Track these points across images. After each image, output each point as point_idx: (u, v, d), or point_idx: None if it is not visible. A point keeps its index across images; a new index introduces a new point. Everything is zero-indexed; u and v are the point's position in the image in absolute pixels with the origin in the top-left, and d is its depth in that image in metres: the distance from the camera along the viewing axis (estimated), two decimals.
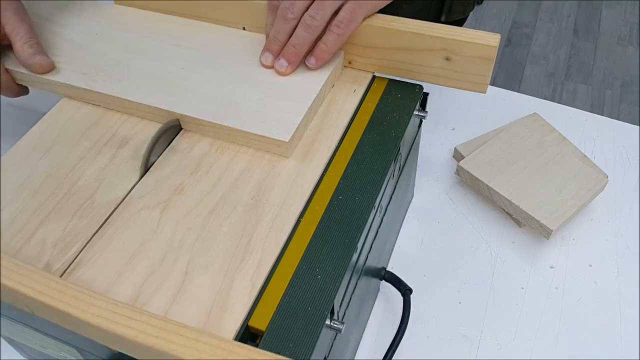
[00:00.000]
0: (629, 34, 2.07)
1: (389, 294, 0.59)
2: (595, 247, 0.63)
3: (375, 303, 0.59)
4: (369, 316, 0.58)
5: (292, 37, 0.51)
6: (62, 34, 0.57)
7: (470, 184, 0.66)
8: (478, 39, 0.48)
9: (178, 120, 0.49)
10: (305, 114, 0.48)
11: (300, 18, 0.50)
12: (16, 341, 0.50)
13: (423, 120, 0.57)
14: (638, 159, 0.71)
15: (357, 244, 0.42)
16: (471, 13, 0.91)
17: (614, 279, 0.60)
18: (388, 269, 0.60)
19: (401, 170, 0.54)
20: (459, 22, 0.91)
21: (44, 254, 0.41)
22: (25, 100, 0.58)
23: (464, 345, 0.56)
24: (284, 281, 0.40)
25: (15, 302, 0.36)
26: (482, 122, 0.74)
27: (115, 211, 0.44)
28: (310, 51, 0.51)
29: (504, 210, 0.64)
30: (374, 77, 0.54)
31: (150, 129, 0.49)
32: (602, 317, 0.58)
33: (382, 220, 0.51)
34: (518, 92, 0.79)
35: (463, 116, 0.75)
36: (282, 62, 0.51)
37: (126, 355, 0.35)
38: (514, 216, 0.64)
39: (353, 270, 0.43)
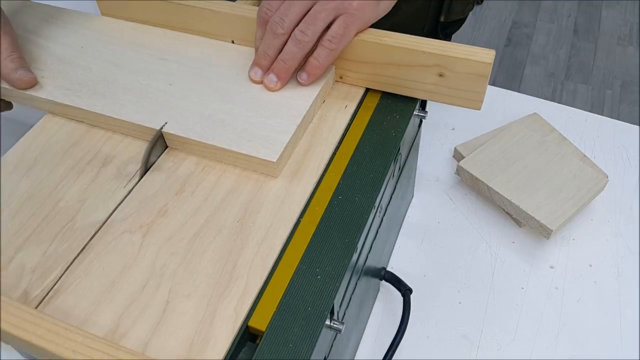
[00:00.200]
0: (629, 34, 2.06)
1: (389, 294, 0.59)
2: (595, 247, 0.63)
3: (375, 303, 0.59)
4: (369, 316, 0.58)
5: (282, 52, 0.49)
6: (46, 47, 0.55)
7: (470, 184, 0.66)
8: (472, 56, 0.47)
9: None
10: (294, 133, 0.46)
11: (291, 33, 0.48)
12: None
13: (423, 120, 0.57)
14: (638, 159, 0.71)
15: (357, 244, 0.42)
16: (471, 13, 0.91)
17: (614, 279, 0.60)
18: (388, 269, 0.60)
19: (401, 170, 0.54)
20: (459, 22, 0.91)
21: (23, 280, 0.40)
22: (12, 112, 0.56)
23: (464, 345, 0.56)
24: (284, 281, 0.40)
25: None
26: (482, 122, 0.74)
27: (97, 234, 0.42)
28: (301, 66, 0.50)
29: (504, 210, 0.64)
30: (367, 91, 0.52)
31: (135, 147, 0.48)
32: (602, 317, 0.58)
33: (382, 220, 0.51)
34: (518, 92, 0.79)
35: (463, 116, 0.75)
36: (272, 78, 0.50)
37: None
38: (514, 216, 0.64)
39: (353, 270, 0.43)
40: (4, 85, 0.51)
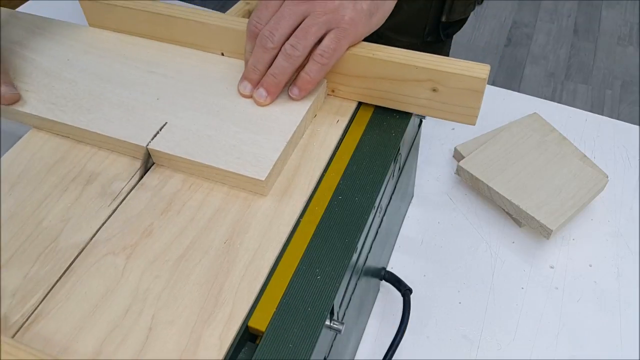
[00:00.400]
0: (629, 34, 2.06)
1: (389, 294, 0.59)
2: (595, 247, 0.63)
3: (375, 303, 0.59)
4: (369, 316, 0.58)
5: (272, 67, 0.48)
6: (32, 60, 0.54)
7: (470, 184, 0.66)
8: (466, 71, 0.46)
9: None
10: (283, 150, 0.45)
11: (281, 47, 0.47)
12: None
13: (423, 120, 0.57)
14: (638, 159, 0.71)
15: (357, 244, 0.42)
16: (471, 13, 0.91)
17: (614, 279, 0.60)
18: (388, 269, 0.60)
19: (401, 170, 0.54)
20: (460, 22, 0.92)
21: (2, 305, 0.38)
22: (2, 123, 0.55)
23: (464, 345, 0.56)
24: (284, 281, 0.40)
25: None
26: (482, 122, 0.73)
27: (79, 256, 0.41)
28: (292, 80, 0.49)
29: (504, 210, 0.64)
30: (359, 105, 0.51)
31: (120, 164, 0.47)
32: (602, 317, 0.58)
33: (382, 220, 0.51)
34: (518, 92, 0.79)
35: None
36: (261, 92, 0.48)
37: None
38: (514, 216, 0.64)
39: (353, 271, 0.43)
40: None
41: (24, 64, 0.54)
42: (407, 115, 0.50)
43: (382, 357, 0.52)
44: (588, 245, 0.63)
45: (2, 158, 0.48)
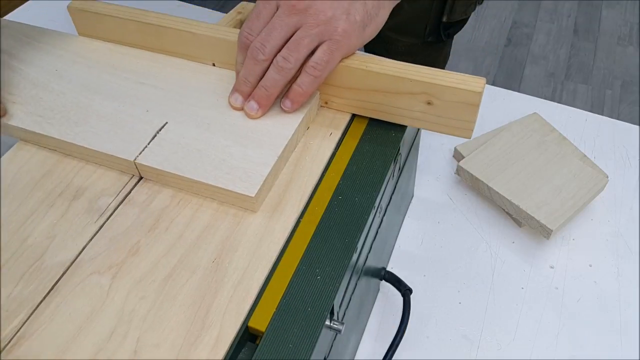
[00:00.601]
0: (629, 34, 2.06)
1: (389, 294, 0.59)
2: (595, 247, 0.63)
3: (375, 303, 0.59)
4: (369, 316, 0.58)
5: (263, 79, 0.47)
6: (20, 70, 0.53)
7: (470, 184, 0.66)
8: (461, 84, 0.45)
9: None
10: (274, 164, 0.44)
11: (273, 59, 0.47)
12: None
13: None
14: (638, 159, 0.71)
15: (357, 244, 0.42)
16: (472, 13, 0.91)
17: (614, 279, 0.60)
18: (388, 269, 0.60)
19: (401, 170, 0.54)
20: (461, 23, 0.92)
21: None
22: None
23: (464, 345, 0.56)
24: (283, 281, 0.40)
25: None
26: (482, 122, 0.74)
27: (64, 275, 0.40)
28: (284, 92, 0.48)
29: (504, 210, 0.64)
30: (353, 117, 0.51)
31: (108, 178, 0.46)
32: (602, 317, 0.58)
33: (382, 220, 0.51)
34: (518, 92, 0.79)
35: None
36: (252, 105, 0.48)
37: None
38: (514, 216, 0.64)
39: (353, 271, 0.43)
40: None
41: (12, 75, 0.53)
42: (401, 128, 0.49)
43: (382, 357, 0.52)
44: (588, 245, 0.63)
45: None
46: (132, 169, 0.46)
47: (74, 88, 0.51)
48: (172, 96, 0.50)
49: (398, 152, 0.49)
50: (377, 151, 0.48)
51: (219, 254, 0.41)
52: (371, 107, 0.49)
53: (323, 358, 0.42)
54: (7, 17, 0.86)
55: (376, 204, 0.46)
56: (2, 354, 0.36)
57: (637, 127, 0.74)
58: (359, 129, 0.50)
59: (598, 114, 0.76)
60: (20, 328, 0.38)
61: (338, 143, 0.49)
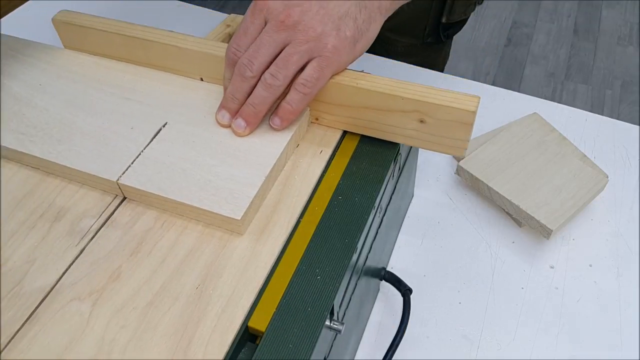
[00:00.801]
0: (629, 34, 2.06)
1: (389, 294, 0.59)
2: (595, 247, 0.63)
3: (375, 303, 0.59)
4: (369, 316, 0.58)
5: (251, 96, 0.46)
6: (2, 84, 0.52)
7: (470, 184, 0.66)
8: (454, 103, 0.44)
9: None
10: (261, 185, 0.43)
11: (261, 76, 0.45)
12: None
13: None
14: (638, 159, 0.71)
15: (357, 245, 0.42)
16: (471, 13, 0.91)
17: (614, 279, 0.60)
18: (388, 269, 0.60)
19: (401, 170, 0.54)
20: (460, 23, 0.92)
21: None
22: None
23: (464, 345, 0.56)
24: (283, 281, 0.40)
25: None
26: (482, 122, 0.74)
27: (44, 302, 0.39)
28: (273, 109, 0.47)
29: (504, 210, 0.64)
30: (344, 134, 0.50)
31: (90, 198, 0.45)
32: (602, 317, 0.58)
33: (382, 220, 0.51)
34: (518, 92, 0.79)
35: None
36: (240, 123, 0.46)
37: None
38: (514, 216, 0.64)
39: (353, 271, 0.43)
40: None
41: None
42: (394, 146, 0.49)
43: (382, 357, 0.52)
44: (588, 245, 0.63)
45: None
46: (115, 189, 0.45)
47: (58, 104, 0.50)
48: (157, 113, 0.49)
49: (398, 152, 0.49)
50: (377, 151, 0.48)
51: (202, 280, 0.40)
52: (363, 124, 0.48)
53: (323, 358, 0.42)
54: (7, 17, 0.86)
55: (376, 204, 0.46)
56: None
57: (637, 127, 0.74)
58: (351, 146, 0.49)
59: (598, 114, 0.76)
60: None
61: (328, 161, 0.47)
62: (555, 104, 0.77)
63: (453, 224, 0.65)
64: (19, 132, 0.48)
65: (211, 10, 0.89)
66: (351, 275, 0.43)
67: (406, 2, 0.50)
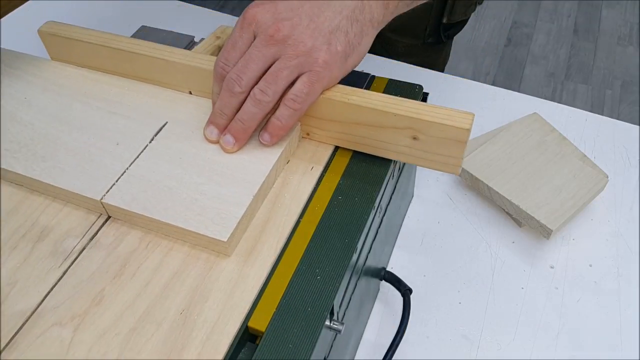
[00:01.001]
0: (629, 34, 2.06)
1: (389, 294, 0.59)
2: (595, 247, 0.63)
3: (375, 303, 0.59)
4: (369, 316, 0.58)
5: (240, 112, 0.45)
6: None
7: (470, 184, 0.66)
8: (448, 120, 0.42)
9: None
10: (249, 204, 0.42)
11: (250, 91, 0.44)
12: None
13: None
14: (638, 159, 0.71)
15: (356, 245, 0.42)
16: (472, 14, 0.91)
17: (614, 279, 0.60)
18: (388, 269, 0.60)
19: (401, 170, 0.54)
20: (461, 24, 0.92)
21: None
22: None
23: (464, 345, 0.56)
24: (283, 281, 0.40)
25: None
26: (482, 122, 0.74)
27: (24, 327, 0.37)
28: (263, 124, 0.46)
29: (504, 210, 0.64)
30: (336, 149, 0.48)
31: (74, 217, 0.44)
32: (602, 317, 0.58)
33: (382, 220, 0.51)
34: (518, 92, 0.79)
35: None
36: (228, 139, 0.45)
37: None
38: (514, 216, 0.64)
39: (353, 271, 0.43)
40: None
41: None
42: (387, 162, 0.47)
43: (382, 357, 0.52)
44: (588, 245, 0.63)
45: None
46: (100, 208, 0.43)
47: (43, 119, 0.49)
48: (144, 128, 0.48)
49: (391, 168, 0.49)
50: (368, 170, 0.46)
51: (187, 304, 0.38)
52: (354, 140, 0.47)
53: (323, 358, 0.42)
54: (7, 17, 0.86)
55: (376, 204, 0.46)
56: None
57: (637, 127, 0.74)
58: (342, 162, 0.48)
59: (598, 114, 0.76)
60: None
61: (319, 178, 0.46)
62: (555, 104, 0.77)
63: (453, 224, 0.65)
64: (2, 148, 0.47)
65: (211, 10, 0.89)
66: (351, 275, 0.43)
67: (399, 14, 0.50)
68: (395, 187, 0.54)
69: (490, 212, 0.66)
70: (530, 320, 0.57)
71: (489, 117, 0.74)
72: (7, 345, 0.37)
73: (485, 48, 2.01)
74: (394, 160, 0.48)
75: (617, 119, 0.75)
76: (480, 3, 0.89)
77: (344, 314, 0.44)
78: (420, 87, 0.53)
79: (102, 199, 0.43)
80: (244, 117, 0.45)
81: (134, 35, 0.62)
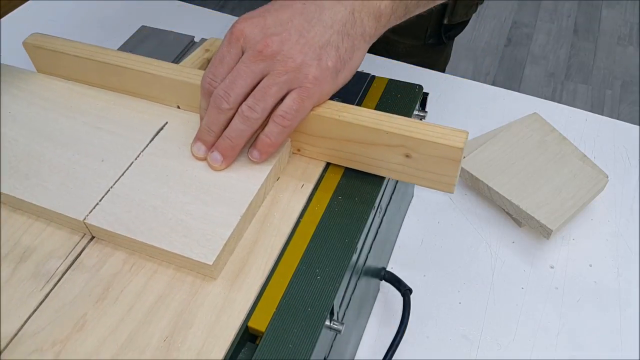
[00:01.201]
0: (629, 34, 2.06)
1: (389, 294, 0.59)
2: (595, 247, 0.63)
3: (375, 303, 0.59)
4: (369, 316, 0.58)
5: (227, 129, 0.44)
6: None
7: (470, 184, 0.66)
8: (440, 138, 0.41)
9: None
10: (237, 225, 0.40)
11: (238, 107, 0.43)
12: None
13: (423, 120, 0.57)
14: (638, 159, 0.71)
15: (356, 245, 0.42)
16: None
17: (614, 279, 0.60)
18: (388, 269, 0.60)
19: None
20: (462, 25, 0.92)
21: None
22: None
23: (464, 345, 0.56)
24: (283, 281, 0.40)
25: None
26: (482, 122, 0.74)
27: (3, 353, 0.36)
28: (252, 141, 0.45)
29: (504, 210, 0.64)
30: (328, 166, 0.47)
31: (57, 237, 0.42)
32: (602, 317, 0.58)
33: (382, 220, 0.51)
34: (518, 92, 0.79)
35: (463, 116, 0.75)
36: (216, 156, 0.44)
37: None
38: (514, 216, 0.64)
39: (353, 271, 0.43)
40: None
41: None
42: (379, 180, 0.46)
43: (382, 357, 0.52)
44: (588, 245, 0.63)
45: None
46: (83, 228, 0.42)
47: (27, 134, 0.48)
48: (130, 144, 0.47)
49: (383, 186, 0.49)
50: (360, 187, 0.45)
51: (171, 331, 0.37)
52: (346, 157, 0.46)
53: (323, 358, 0.42)
54: (7, 17, 0.86)
55: (376, 204, 0.46)
56: None
57: (637, 127, 0.74)
58: (334, 180, 0.46)
59: (598, 114, 0.76)
60: None
61: (310, 196, 0.45)
62: (555, 104, 0.77)
63: (453, 224, 0.65)
64: None
65: (211, 10, 0.89)
66: (351, 275, 0.43)
67: (391, 26, 0.48)
68: (395, 187, 0.54)
69: (490, 212, 0.66)
70: (530, 320, 0.57)
71: (489, 117, 0.74)
72: None
73: (485, 48, 2.01)
74: (387, 177, 0.47)
75: (617, 119, 0.75)
76: (481, 3, 0.89)
77: (344, 314, 0.44)
78: (420, 87, 0.53)
79: (85, 219, 0.42)
80: (232, 135, 0.44)
81: (134, 35, 0.62)
